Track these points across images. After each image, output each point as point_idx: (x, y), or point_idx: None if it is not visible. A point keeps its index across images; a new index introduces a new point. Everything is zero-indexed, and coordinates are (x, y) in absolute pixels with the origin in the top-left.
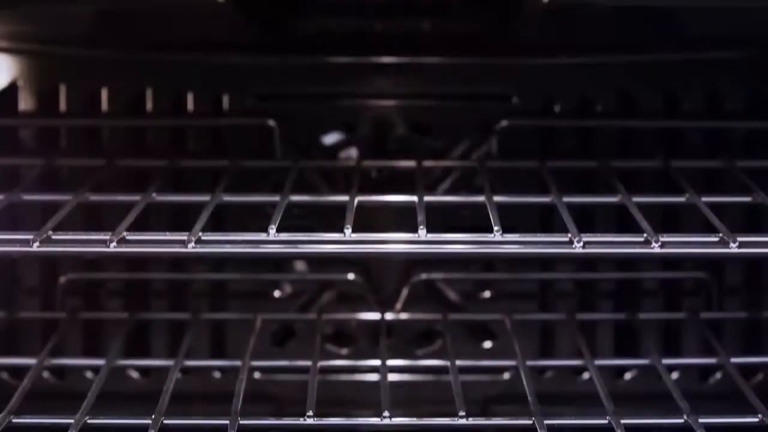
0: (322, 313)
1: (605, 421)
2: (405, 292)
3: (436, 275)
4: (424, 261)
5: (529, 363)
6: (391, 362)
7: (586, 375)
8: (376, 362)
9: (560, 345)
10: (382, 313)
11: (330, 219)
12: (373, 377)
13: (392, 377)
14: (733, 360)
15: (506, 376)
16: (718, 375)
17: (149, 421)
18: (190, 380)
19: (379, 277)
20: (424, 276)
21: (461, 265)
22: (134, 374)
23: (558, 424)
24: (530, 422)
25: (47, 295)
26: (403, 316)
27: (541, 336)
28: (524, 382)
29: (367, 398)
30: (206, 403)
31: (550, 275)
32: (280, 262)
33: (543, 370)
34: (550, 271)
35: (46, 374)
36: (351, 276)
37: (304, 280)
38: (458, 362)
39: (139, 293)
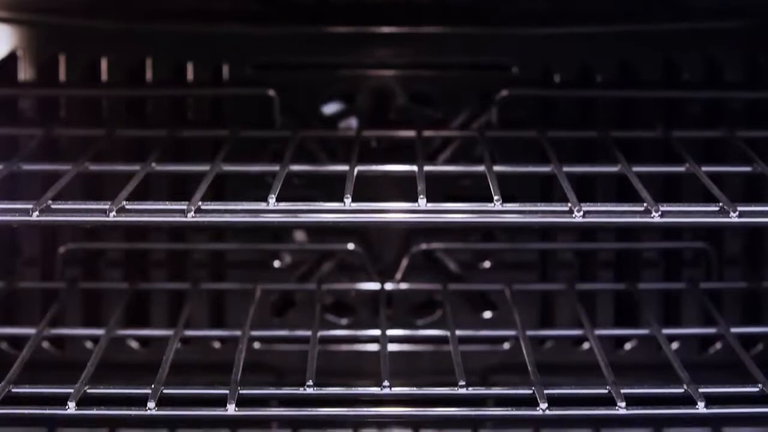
0: (322, 284)
1: (605, 391)
2: (405, 262)
3: (436, 245)
4: (424, 231)
5: (530, 333)
6: (390, 332)
7: (586, 345)
8: (376, 332)
9: (560, 315)
10: (382, 283)
11: (330, 189)
12: (373, 347)
13: (392, 347)
14: (733, 330)
15: (506, 346)
16: (718, 345)
17: (149, 391)
18: (190, 350)
19: (379, 247)
20: (423, 246)
21: (461, 236)
22: (134, 344)
23: (558, 394)
24: (530, 392)
25: (47, 265)
26: (403, 286)
27: (541, 306)
28: (524, 352)
29: (366, 368)
30: (206, 372)
31: (550, 245)
32: (280, 233)
33: (543, 340)
34: (551, 241)
35: (45, 344)
36: (351, 246)
37: (303, 250)
38: (458, 332)
39: (139, 264)
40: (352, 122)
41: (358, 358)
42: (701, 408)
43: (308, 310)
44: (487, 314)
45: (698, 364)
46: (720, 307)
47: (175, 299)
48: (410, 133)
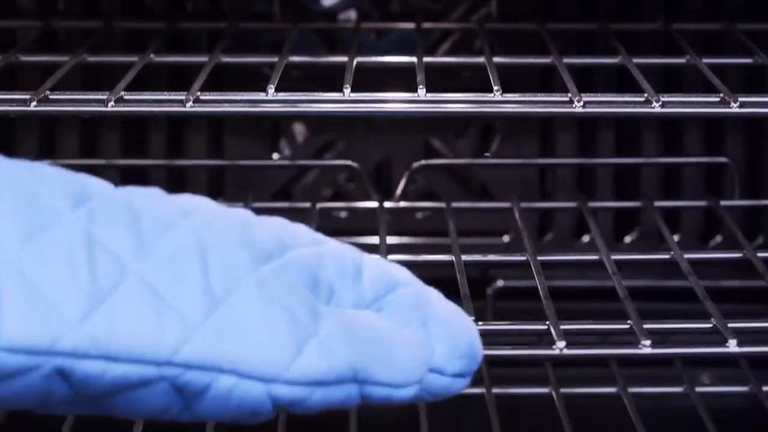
0: (317, 203)
1: (609, 284)
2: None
3: (435, 141)
4: (424, 125)
5: (523, 204)
6: (390, 239)
7: (585, 238)
8: (373, 204)
9: (560, 211)
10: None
11: (329, 83)
12: (373, 239)
13: (391, 240)
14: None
15: (506, 239)
16: (719, 238)
17: None
18: None
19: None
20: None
21: (460, 135)
22: None
23: (561, 287)
24: (524, 258)
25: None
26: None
27: (541, 198)
28: (525, 244)
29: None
30: None
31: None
32: (279, 127)
33: (542, 233)
34: (551, 139)
35: None
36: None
37: (302, 143)
38: (454, 204)
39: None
40: (352, 14)
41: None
42: (705, 302)
43: (308, 200)
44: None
45: (698, 261)
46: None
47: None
48: (409, 25)
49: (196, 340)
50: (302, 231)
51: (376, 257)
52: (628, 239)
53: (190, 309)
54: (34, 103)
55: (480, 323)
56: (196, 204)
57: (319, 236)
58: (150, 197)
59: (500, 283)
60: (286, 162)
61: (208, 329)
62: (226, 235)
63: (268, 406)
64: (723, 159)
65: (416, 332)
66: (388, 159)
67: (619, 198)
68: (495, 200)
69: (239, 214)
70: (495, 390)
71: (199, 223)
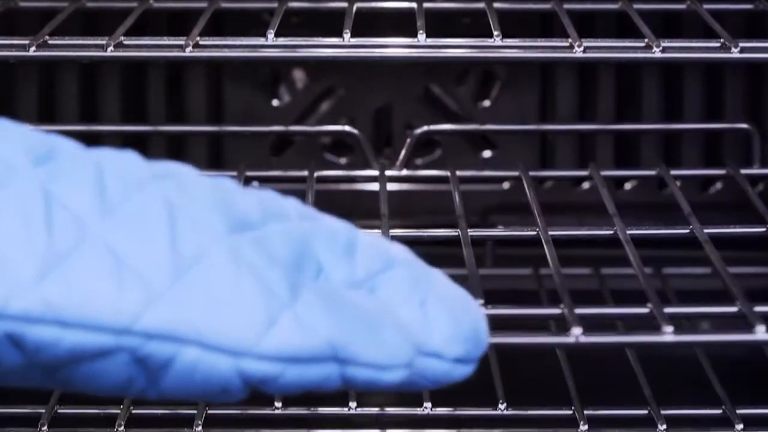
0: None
1: (611, 232)
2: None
3: (435, 87)
4: (424, 72)
5: (532, 173)
6: (390, 172)
7: (585, 185)
8: (374, 173)
9: (561, 155)
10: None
11: (329, 29)
12: (373, 186)
13: (390, 186)
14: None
15: (505, 186)
16: (719, 185)
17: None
18: None
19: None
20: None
21: (460, 81)
22: None
23: (563, 236)
24: (534, 233)
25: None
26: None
27: (541, 147)
28: (527, 191)
29: (365, 207)
30: None
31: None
32: (279, 74)
33: (542, 180)
34: (551, 86)
35: None
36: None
37: (302, 89)
38: (459, 173)
39: (137, 108)
40: None
41: (356, 197)
42: (708, 249)
43: (307, 149)
44: (487, 153)
45: (698, 205)
46: (720, 148)
47: (173, 143)
48: None
49: (158, 307)
50: (291, 204)
51: (373, 234)
52: (628, 186)
53: (153, 275)
54: (33, 49)
55: (489, 308)
56: (173, 169)
57: (311, 211)
58: (122, 160)
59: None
60: (281, 129)
61: (172, 297)
62: (201, 200)
63: (237, 383)
64: (744, 125)
65: (411, 313)
66: (388, 105)
67: (620, 149)
68: (495, 148)
69: (221, 182)
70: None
71: (172, 186)
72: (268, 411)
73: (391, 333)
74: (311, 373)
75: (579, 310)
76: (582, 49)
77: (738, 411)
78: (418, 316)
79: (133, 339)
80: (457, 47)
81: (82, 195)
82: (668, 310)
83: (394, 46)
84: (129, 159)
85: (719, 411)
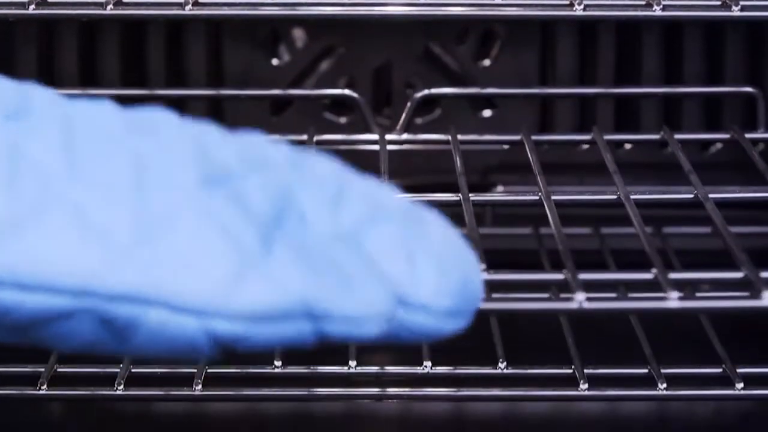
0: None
1: (614, 197)
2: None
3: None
4: (424, 30)
5: (534, 137)
6: (389, 136)
7: (585, 145)
8: (374, 137)
9: (561, 114)
10: (380, 83)
11: None
12: (372, 146)
13: (390, 146)
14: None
15: (506, 146)
16: (719, 145)
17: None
18: None
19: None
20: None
21: (460, 40)
22: None
23: (566, 201)
24: (537, 198)
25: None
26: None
27: (541, 104)
28: (529, 155)
29: (365, 166)
30: None
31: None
32: (278, 32)
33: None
34: (551, 44)
35: None
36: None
37: (302, 48)
38: (460, 137)
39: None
40: None
41: (356, 157)
42: (709, 208)
43: (307, 109)
44: (487, 113)
45: (699, 164)
46: (720, 111)
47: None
48: None
49: (122, 268)
50: (280, 150)
51: (369, 181)
52: (628, 145)
53: (118, 235)
54: (32, 7)
55: (490, 273)
56: (153, 120)
57: (302, 156)
58: (97, 113)
59: (500, 189)
60: (279, 93)
61: (137, 257)
62: (176, 153)
63: (206, 343)
64: (749, 88)
65: (397, 265)
66: (388, 64)
67: (620, 109)
68: (495, 107)
69: (203, 130)
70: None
71: (147, 140)
72: (267, 370)
73: (368, 285)
74: (283, 331)
75: (582, 275)
76: (582, 6)
77: (738, 370)
78: (404, 269)
79: (94, 301)
80: (456, 5)
81: (50, 152)
82: (673, 275)
83: (394, 4)
84: (104, 111)
85: (719, 370)
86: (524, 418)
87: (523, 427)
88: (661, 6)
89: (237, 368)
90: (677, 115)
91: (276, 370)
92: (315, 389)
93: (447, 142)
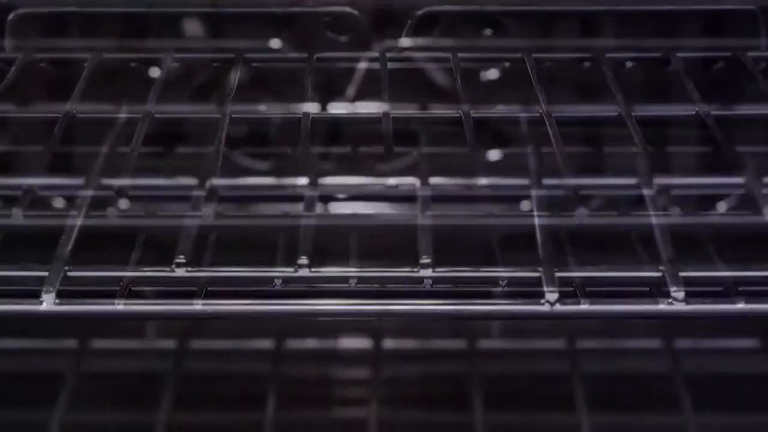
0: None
1: (615, 114)
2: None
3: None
4: None
5: (535, 55)
6: (390, 55)
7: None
8: (375, 54)
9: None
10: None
11: None
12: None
13: (391, 65)
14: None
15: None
16: (720, 63)
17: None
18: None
19: None
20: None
21: None
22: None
23: (568, 117)
24: (538, 114)
25: None
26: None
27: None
28: (530, 74)
29: (365, 89)
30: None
31: None
32: None
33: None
34: None
35: None
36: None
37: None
38: (460, 54)
39: None
40: None
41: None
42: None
43: (308, 26)
44: (487, 31)
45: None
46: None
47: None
48: None
49: None
50: None
51: None
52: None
53: None
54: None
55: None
56: None
57: None
58: None
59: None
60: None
61: None
62: None
63: None
64: (750, 6)
65: None
66: None
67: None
68: (500, 29)
69: None
70: None
71: None
72: (268, 288)
73: None
74: None
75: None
76: None
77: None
78: None
79: None
80: None
81: None
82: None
83: None
84: None
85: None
86: None
87: None
88: None
89: (237, 288)
90: (677, 32)
91: (276, 288)
92: (315, 300)
93: (447, 59)
